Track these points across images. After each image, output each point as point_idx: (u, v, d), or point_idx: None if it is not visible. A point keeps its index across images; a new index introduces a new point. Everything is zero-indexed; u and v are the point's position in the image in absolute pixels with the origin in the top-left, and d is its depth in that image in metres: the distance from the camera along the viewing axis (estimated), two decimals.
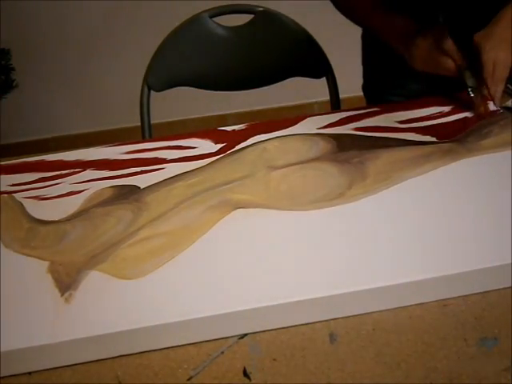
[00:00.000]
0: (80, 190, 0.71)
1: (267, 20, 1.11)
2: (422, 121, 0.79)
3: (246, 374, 0.49)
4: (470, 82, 0.79)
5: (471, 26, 0.79)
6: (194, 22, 1.11)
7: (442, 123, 0.79)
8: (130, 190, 0.70)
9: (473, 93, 0.79)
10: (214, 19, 1.11)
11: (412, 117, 0.79)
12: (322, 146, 0.75)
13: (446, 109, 0.82)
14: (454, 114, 0.81)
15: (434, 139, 0.75)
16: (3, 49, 1.72)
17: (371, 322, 0.52)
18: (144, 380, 0.49)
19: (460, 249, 0.56)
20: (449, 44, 0.77)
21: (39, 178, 0.75)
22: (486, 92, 0.77)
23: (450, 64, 0.77)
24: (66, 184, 0.73)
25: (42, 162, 0.79)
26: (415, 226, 0.59)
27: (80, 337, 0.51)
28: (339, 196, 0.65)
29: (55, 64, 1.97)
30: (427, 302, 0.54)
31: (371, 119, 0.81)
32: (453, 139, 0.74)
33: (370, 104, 1.06)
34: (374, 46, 1.01)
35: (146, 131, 1.11)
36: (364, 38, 1.06)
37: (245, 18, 1.12)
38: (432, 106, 0.83)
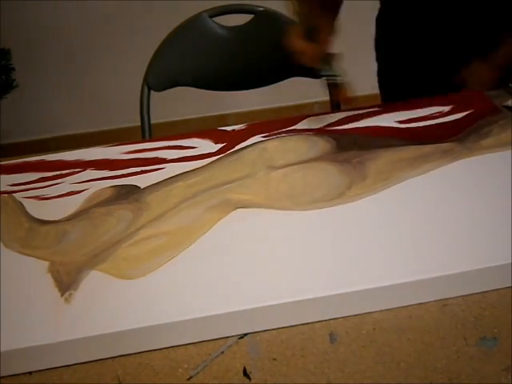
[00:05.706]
0: (80, 190, 0.71)
1: (267, 20, 1.11)
2: (422, 121, 0.79)
3: (246, 373, 0.49)
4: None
5: None
6: (193, 21, 1.11)
7: (441, 123, 0.79)
8: (129, 189, 0.70)
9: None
10: (214, 19, 1.11)
11: (412, 117, 0.79)
12: (322, 146, 0.75)
13: (446, 109, 0.82)
14: (454, 113, 0.81)
15: (433, 139, 0.75)
16: (3, 49, 1.72)
17: (371, 322, 0.52)
18: (144, 380, 0.49)
19: (460, 249, 0.56)
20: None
21: (39, 178, 0.75)
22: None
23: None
24: (66, 184, 0.73)
25: (42, 162, 0.79)
26: (415, 226, 0.59)
27: (80, 337, 0.51)
28: (339, 196, 0.65)
29: (55, 64, 1.97)
30: (427, 302, 0.54)
31: (371, 119, 0.81)
32: (453, 139, 0.74)
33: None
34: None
35: (146, 131, 1.11)
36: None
37: (245, 18, 1.12)
38: (432, 106, 0.83)
